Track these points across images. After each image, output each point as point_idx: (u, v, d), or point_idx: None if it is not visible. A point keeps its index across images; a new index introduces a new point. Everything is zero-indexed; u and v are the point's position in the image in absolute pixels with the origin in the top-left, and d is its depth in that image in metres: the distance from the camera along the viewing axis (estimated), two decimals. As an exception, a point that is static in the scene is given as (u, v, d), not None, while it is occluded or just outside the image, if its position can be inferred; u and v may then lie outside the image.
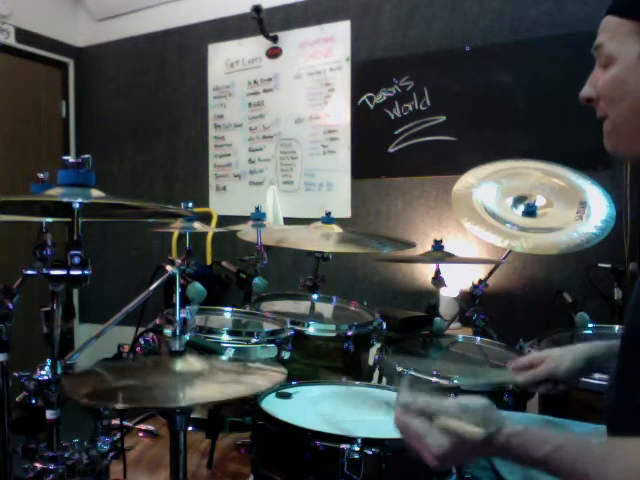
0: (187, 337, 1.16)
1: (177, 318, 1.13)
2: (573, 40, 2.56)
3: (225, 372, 1.21)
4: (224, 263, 2.39)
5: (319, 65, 3.35)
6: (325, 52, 3.33)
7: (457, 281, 2.56)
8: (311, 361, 1.76)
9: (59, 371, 1.01)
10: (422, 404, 0.82)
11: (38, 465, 1.01)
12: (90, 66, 4.20)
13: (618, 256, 2.33)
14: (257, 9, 3.25)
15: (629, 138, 0.91)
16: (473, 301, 2.02)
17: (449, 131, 2.98)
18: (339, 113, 3.29)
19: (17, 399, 1.05)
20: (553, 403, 1.64)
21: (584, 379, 1.42)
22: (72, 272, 0.92)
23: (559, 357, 1.20)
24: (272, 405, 1.19)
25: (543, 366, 1.21)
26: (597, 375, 1.40)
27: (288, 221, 3.43)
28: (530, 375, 1.22)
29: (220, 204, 3.70)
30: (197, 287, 1.48)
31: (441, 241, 1.92)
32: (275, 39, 3.45)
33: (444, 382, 1.46)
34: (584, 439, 0.78)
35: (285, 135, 3.48)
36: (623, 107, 0.90)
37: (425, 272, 3.00)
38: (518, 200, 2.13)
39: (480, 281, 2.07)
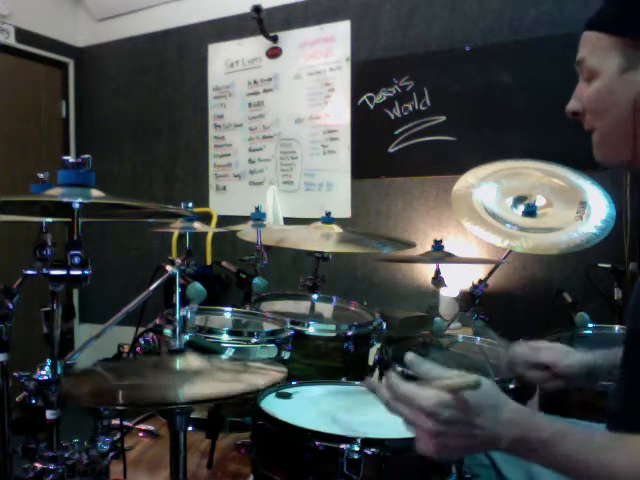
0: (187, 337, 1.17)
1: (177, 317, 1.14)
2: (573, 40, 2.53)
3: (225, 371, 1.21)
4: (224, 263, 2.39)
5: (319, 65, 3.35)
6: (325, 52, 3.33)
7: (457, 281, 2.56)
8: (311, 361, 1.76)
9: (59, 371, 1.01)
10: (424, 369, 0.81)
11: (38, 465, 1.01)
12: (90, 66, 4.20)
13: (618, 256, 2.33)
14: (257, 9, 3.25)
15: (616, 148, 0.94)
16: (473, 301, 2.02)
17: (449, 131, 2.98)
18: (339, 113, 3.29)
19: (17, 399, 1.05)
20: (553, 402, 1.64)
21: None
22: (72, 272, 0.92)
23: (566, 352, 1.17)
24: (272, 405, 1.19)
25: (546, 352, 1.17)
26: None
27: (288, 221, 3.43)
28: (531, 355, 1.19)
29: (220, 204, 3.70)
30: (197, 287, 1.48)
31: (441, 241, 1.92)
32: (275, 39, 3.45)
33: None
34: (587, 429, 0.78)
35: (285, 135, 3.48)
36: (609, 119, 0.93)
37: (425, 272, 3.00)
38: (518, 200, 2.13)
39: (480, 281, 2.07)
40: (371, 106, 3.19)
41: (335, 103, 3.31)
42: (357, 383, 1.43)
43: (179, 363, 1.13)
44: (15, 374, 1.03)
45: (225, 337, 1.57)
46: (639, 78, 0.88)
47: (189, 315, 1.16)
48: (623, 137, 0.91)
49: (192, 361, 1.15)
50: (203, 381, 1.11)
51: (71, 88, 4.22)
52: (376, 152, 3.18)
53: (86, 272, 0.93)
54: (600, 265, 2.36)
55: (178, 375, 1.11)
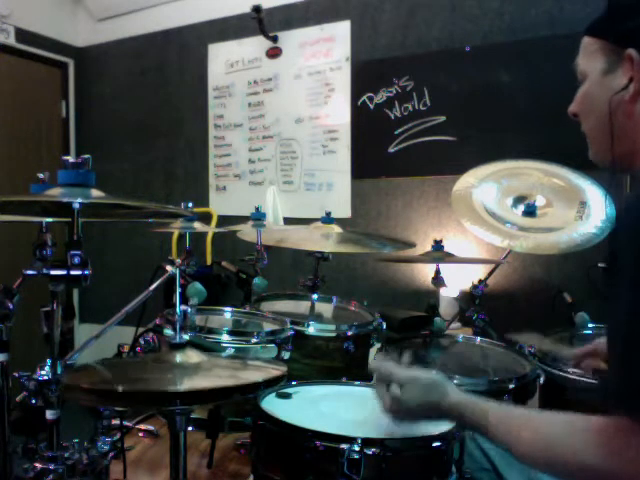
0: (187, 337, 1.17)
1: (177, 315, 1.14)
2: (573, 40, 2.55)
3: (224, 368, 1.21)
4: (224, 263, 2.39)
5: (319, 65, 3.35)
6: (325, 52, 3.33)
7: (457, 281, 2.56)
8: (311, 361, 1.76)
9: (59, 371, 1.01)
10: (381, 370, 1.04)
11: (38, 465, 1.01)
12: (90, 66, 4.20)
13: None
14: (257, 9, 3.25)
15: (601, 149, 0.97)
16: (473, 301, 2.02)
17: (449, 131, 2.98)
18: (339, 113, 3.29)
19: (17, 399, 1.05)
20: (552, 402, 1.65)
21: (585, 379, 1.43)
22: (72, 272, 0.92)
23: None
24: (272, 405, 1.19)
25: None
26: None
27: (288, 221, 3.43)
28: (579, 350, 1.32)
29: (220, 204, 3.70)
30: (197, 287, 1.48)
31: (441, 241, 1.91)
32: (275, 39, 3.46)
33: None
34: (509, 410, 0.93)
35: (285, 135, 3.48)
36: (592, 120, 0.97)
37: (425, 272, 3.00)
38: (518, 200, 2.13)
39: (480, 281, 2.07)
40: (371, 106, 3.19)
41: (335, 103, 3.31)
42: (357, 383, 1.43)
43: (179, 358, 1.13)
44: (15, 374, 1.03)
45: (225, 337, 1.57)
46: (616, 82, 0.91)
47: (189, 310, 1.16)
48: (605, 139, 0.93)
49: (192, 356, 1.15)
50: (202, 376, 1.11)
51: (71, 88, 4.22)
52: (376, 152, 3.18)
53: (86, 272, 0.93)
54: (600, 265, 2.35)
55: (178, 370, 1.11)
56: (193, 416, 1.51)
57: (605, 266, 0.81)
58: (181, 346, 1.15)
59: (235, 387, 1.06)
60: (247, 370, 1.25)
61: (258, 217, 2.14)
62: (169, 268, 1.24)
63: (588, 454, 0.75)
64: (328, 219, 2.17)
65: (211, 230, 3.48)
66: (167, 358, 1.14)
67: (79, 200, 0.93)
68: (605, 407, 0.90)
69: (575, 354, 1.35)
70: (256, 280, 2.00)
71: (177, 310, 1.14)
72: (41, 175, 1.25)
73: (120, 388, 0.96)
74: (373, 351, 1.86)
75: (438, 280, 1.93)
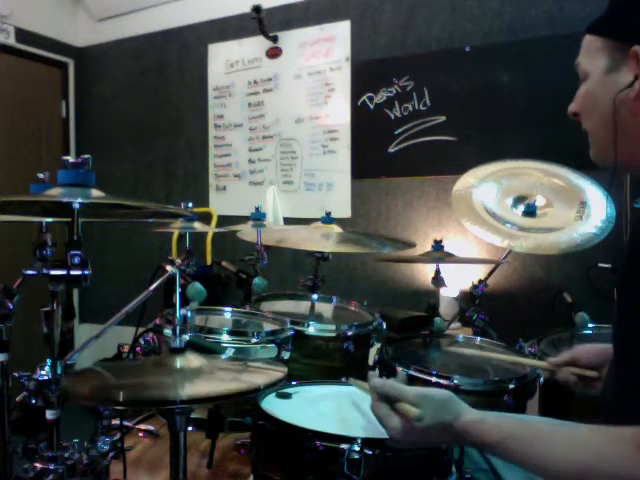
0: (187, 337, 1.16)
1: (177, 317, 1.13)
2: (573, 40, 2.55)
3: (225, 370, 1.21)
4: (224, 263, 2.39)
5: (319, 65, 3.35)
6: (325, 52, 3.33)
7: (457, 281, 2.56)
8: (311, 361, 1.76)
9: (59, 371, 1.01)
10: (387, 389, 0.91)
11: (38, 465, 1.01)
12: (90, 66, 4.20)
13: (618, 256, 2.33)
14: (257, 9, 3.25)
15: (604, 149, 0.95)
16: (473, 301, 2.03)
17: (449, 131, 2.98)
18: (339, 113, 3.29)
19: (17, 399, 1.05)
20: (553, 404, 1.65)
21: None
22: (72, 272, 0.92)
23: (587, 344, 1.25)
24: (272, 405, 1.19)
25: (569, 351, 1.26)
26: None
27: (288, 221, 3.43)
28: (556, 359, 1.27)
29: (220, 204, 3.70)
30: (197, 287, 1.48)
31: (441, 241, 1.91)
32: (275, 39, 3.46)
33: (444, 382, 1.46)
34: (535, 427, 0.86)
35: (285, 135, 3.48)
36: (594, 120, 0.96)
37: (425, 272, 3.00)
38: (518, 200, 2.13)
39: (480, 281, 2.07)
40: (371, 106, 3.19)
41: (335, 103, 3.31)
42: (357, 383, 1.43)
43: (179, 362, 1.13)
44: (15, 374, 1.03)
45: (225, 337, 1.57)
46: (620, 79, 0.90)
47: (189, 314, 1.16)
48: (608, 138, 0.92)
49: (192, 360, 1.15)
50: (203, 380, 1.11)
51: (71, 88, 4.22)
52: (376, 152, 3.18)
53: (86, 272, 0.93)
54: (600, 265, 2.36)
55: (178, 374, 1.11)
56: (193, 416, 1.52)
57: (622, 270, 0.80)
58: (181, 351, 1.14)
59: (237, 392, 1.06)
60: (248, 373, 1.25)
61: (258, 217, 2.14)
62: (169, 268, 1.23)
63: (626, 466, 0.74)
64: (328, 219, 2.17)
65: (211, 230, 3.48)
66: (167, 362, 1.13)
67: (79, 200, 0.93)
68: (606, 411, 0.90)
69: (552, 363, 1.31)
70: (256, 280, 2.00)
71: (177, 310, 1.14)
72: (41, 175, 1.25)
73: (121, 396, 0.96)
74: (373, 351, 1.86)
75: (438, 280, 1.94)
